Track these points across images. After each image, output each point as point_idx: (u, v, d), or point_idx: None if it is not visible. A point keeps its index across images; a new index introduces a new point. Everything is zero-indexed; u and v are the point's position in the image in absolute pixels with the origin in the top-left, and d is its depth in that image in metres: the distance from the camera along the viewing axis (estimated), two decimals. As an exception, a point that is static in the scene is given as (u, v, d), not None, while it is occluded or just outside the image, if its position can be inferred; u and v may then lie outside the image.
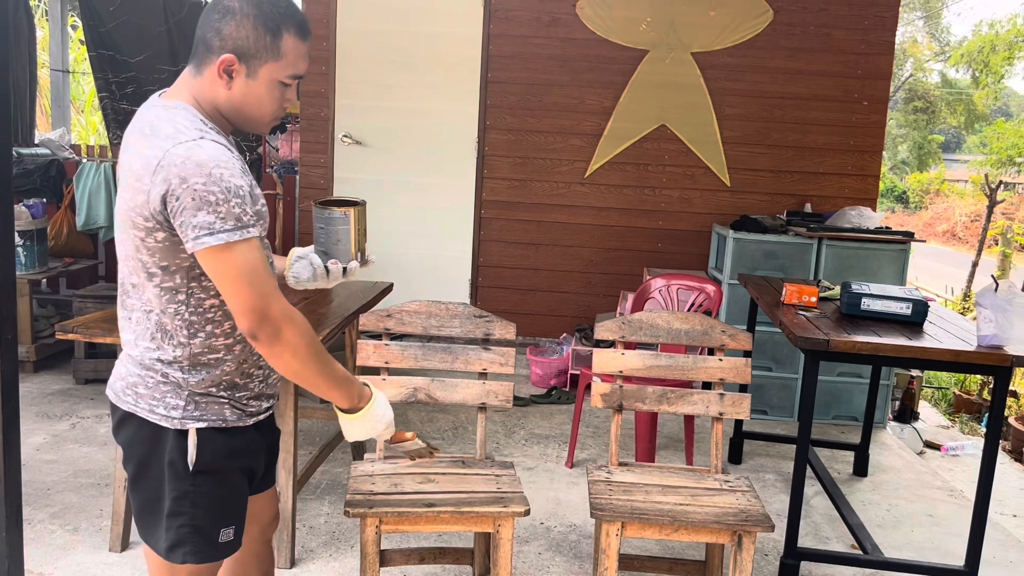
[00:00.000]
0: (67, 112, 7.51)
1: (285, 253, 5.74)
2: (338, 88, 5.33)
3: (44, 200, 4.95)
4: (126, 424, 1.62)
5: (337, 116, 5.35)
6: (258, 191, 1.56)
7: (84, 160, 5.40)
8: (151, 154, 1.45)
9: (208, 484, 1.59)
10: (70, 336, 2.55)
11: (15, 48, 6.41)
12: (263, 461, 1.77)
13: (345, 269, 1.84)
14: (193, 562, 1.60)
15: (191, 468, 1.57)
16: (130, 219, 1.49)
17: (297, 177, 5.53)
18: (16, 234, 4.49)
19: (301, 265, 1.81)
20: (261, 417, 1.70)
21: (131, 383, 1.60)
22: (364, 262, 1.89)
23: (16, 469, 2.30)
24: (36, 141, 6.56)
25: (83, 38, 7.26)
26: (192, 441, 1.57)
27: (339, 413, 1.69)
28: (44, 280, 5.11)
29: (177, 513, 1.57)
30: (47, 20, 7.56)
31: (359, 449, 3.57)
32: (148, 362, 1.58)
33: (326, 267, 1.82)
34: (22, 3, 6.58)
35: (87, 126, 10.83)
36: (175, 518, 1.57)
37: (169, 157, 1.43)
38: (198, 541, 1.59)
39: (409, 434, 1.92)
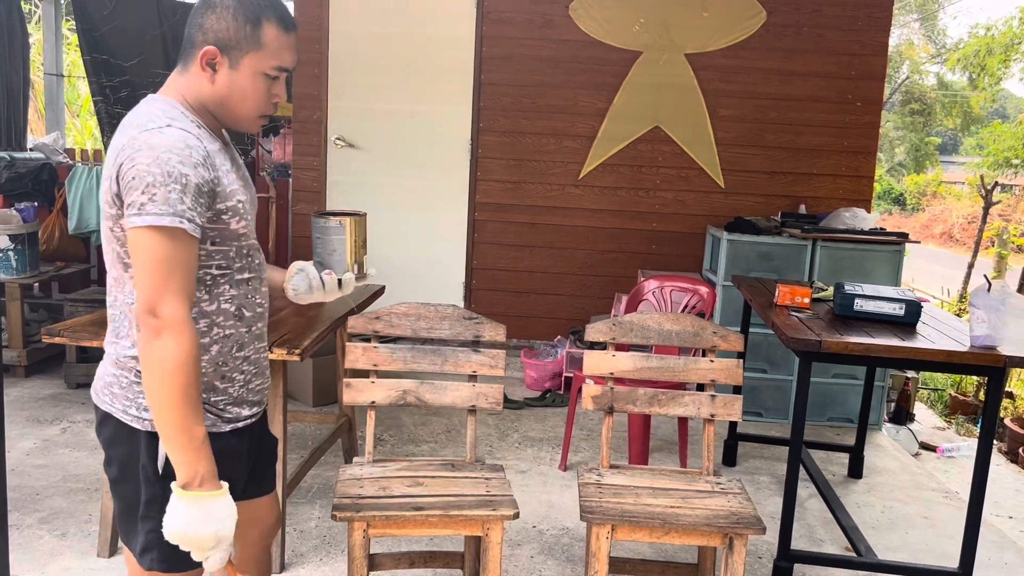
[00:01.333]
0: (61, 116, 7.49)
1: (279, 256, 5.71)
2: (331, 91, 5.31)
3: (36, 204, 4.93)
4: (105, 424, 1.60)
5: (330, 119, 5.34)
6: (228, 189, 1.55)
7: (77, 164, 5.37)
8: (120, 142, 1.47)
9: None
10: (57, 340, 2.53)
11: (8, 52, 6.40)
12: (244, 469, 1.71)
13: (340, 281, 1.82)
14: (159, 570, 1.55)
15: (160, 472, 1.53)
16: (104, 208, 1.51)
17: (290, 180, 5.52)
18: (7, 238, 4.49)
19: (299, 278, 1.82)
20: (240, 424, 1.66)
21: (107, 382, 1.59)
22: (362, 275, 1.85)
23: (1, 474, 2.28)
24: (30, 145, 6.54)
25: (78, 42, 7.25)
26: (163, 444, 1.53)
27: (174, 489, 1.46)
28: (36, 284, 5.08)
29: (147, 517, 1.54)
30: (41, 24, 7.55)
31: (350, 453, 3.55)
32: (123, 360, 1.56)
33: (322, 279, 1.82)
34: (15, 7, 6.57)
35: (83, 130, 10.82)
36: (146, 522, 1.55)
37: (132, 142, 1.45)
38: (165, 548, 1.53)
39: None
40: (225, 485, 1.47)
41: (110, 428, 1.59)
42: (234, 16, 1.52)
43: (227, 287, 1.60)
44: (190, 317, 1.44)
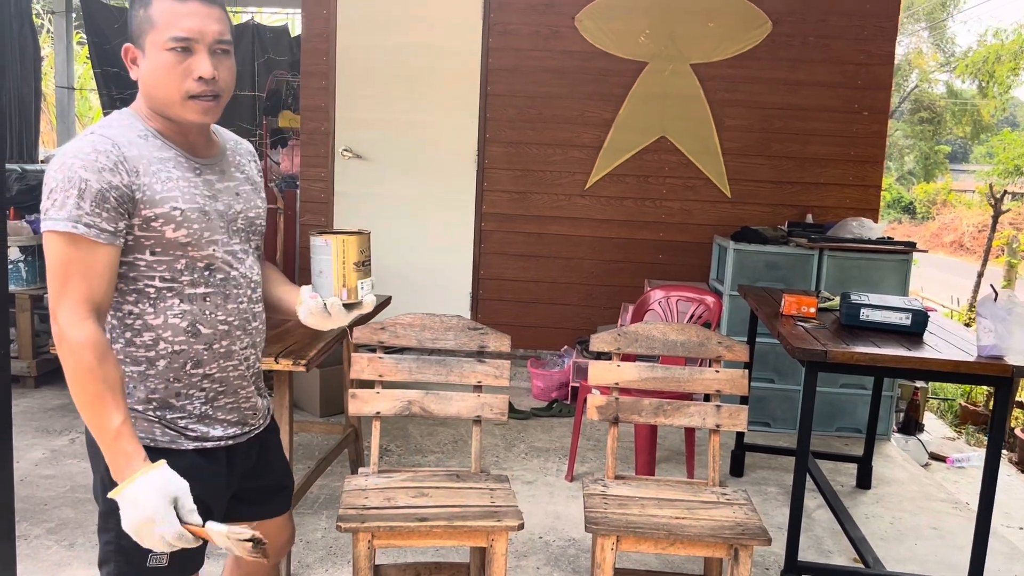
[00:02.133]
0: (72, 128, 7.56)
1: (287, 268, 5.71)
2: (338, 102, 5.34)
3: (46, 216, 4.97)
4: (87, 431, 1.58)
5: (337, 130, 5.37)
6: (157, 196, 1.49)
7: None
8: None
9: None
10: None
11: (20, 65, 6.47)
12: (218, 491, 1.65)
13: (326, 306, 1.64)
14: None
15: (114, 483, 1.49)
16: None
17: (298, 191, 5.54)
18: (18, 249, 4.52)
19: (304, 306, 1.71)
20: (208, 444, 1.62)
21: None
22: (354, 303, 1.66)
23: (8, 484, 2.30)
24: (41, 157, 6.60)
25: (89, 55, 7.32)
26: None
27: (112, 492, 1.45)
28: (46, 295, 5.11)
29: (104, 529, 1.54)
30: (51, 38, 7.63)
31: (356, 463, 3.55)
32: None
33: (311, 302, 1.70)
34: (27, 21, 6.64)
35: (93, 142, 10.90)
36: (103, 534, 1.55)
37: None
38: (121, 562, 1.54)
39: (223, 529, 1.41)
40: (142, 469, 1.41)
41: (88, 435, 1.58)
42: (133, 9, 1.53)
43: (176, 301, 1.55)
44: (88, 320, 1.42)
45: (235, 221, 1.64)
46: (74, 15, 7.38)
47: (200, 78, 1.50)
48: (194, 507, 1.44)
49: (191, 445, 1.60)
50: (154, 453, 1.53)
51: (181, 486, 1.44)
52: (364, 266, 1.67)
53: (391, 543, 2.18)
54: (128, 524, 1.40)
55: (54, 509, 3.20)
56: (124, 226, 1.48)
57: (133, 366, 1.55)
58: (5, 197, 2.29)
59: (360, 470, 2.49)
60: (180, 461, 1.56)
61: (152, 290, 1.54)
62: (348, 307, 1.67)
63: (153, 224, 1.50)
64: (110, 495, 1.43)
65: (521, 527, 2.19)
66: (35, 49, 6.68)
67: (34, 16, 7.30)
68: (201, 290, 1.58)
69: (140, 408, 1.56)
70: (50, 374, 4.79)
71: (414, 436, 4.18)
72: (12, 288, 4.55)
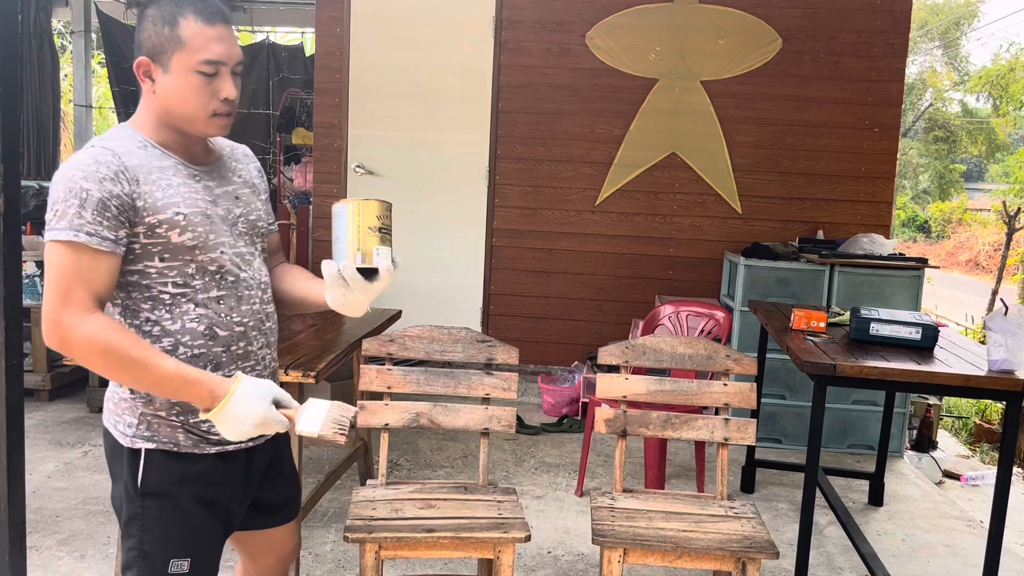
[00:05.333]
0: (90, 146, 7.66)
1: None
2: (351, 119, 5.40)
3: (63, 231, 5.03)
4: (106, 440, 1.64)
5: (350, 147, 5.42)
6: (160, 202, 1.52)
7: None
8: None
9: (157, 509, 1.56)
10: (75, 362, 2.57)
11: (39, 84, 6.58)
12: (239, 495, 1.69)
13: (340, 272, 1.57)
14: None
15: (139, 490, 1.55)
16: None
17: (311, 207, 5.59)
18: (34, 264, 4.58)
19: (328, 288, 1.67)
20: (229, 448, 1.63)
21: (107, 398, 1.64)
22: (371, 268, 1.57)
23: (20, 495, 2.32)
24: (58, 174, 6.69)
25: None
26: (140, 462, 1.56)
27: (206, 416, 1.51)
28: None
29: (127, 535, 1.57)
30: (71, 57, 7.75)
31: (365, 476, 3.56)
32: None
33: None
34: (47, 41, 6.76)
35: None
36: (126, 540, 1.57)
37: None
38: (144, 568, 1.56)
39: (325, 405, 1.54)
40: (238, 384, 1.48)
41: (108, 443, 1.63)
42: (153, 22, 1.54)
43: (191, 306, 1.58)
44: (93, 312, 1.45)
45: (236, 224, 1.67)
46: (94, 35, 7.51)
47: (225, 99, 1.57)
48: (288, 396, 1.56)
49: (213, 449, 1.62)
50: (177, 458, 1.58)
51: (270, 386, 1.52)
52: (382, 232, 1.58)
53: (398, 554, 2.19)
54: (237, 429, 1.47)
55: (66, 521, 3.23)
56: (125, 234, 1.51)
57: None
58: (21, 212, 2.33)
59: (368, 482, 2.50)
60: (201, 465, 1.60)
61: (167, 296, 1.56)
62: (366, 275, 1.57)
63: (158, 230, 1.53)
64: (210, 415, 1.47)
65: (528, 539, 2.19)
66: (54, 68, 6.79)
67: (55, 36, 7.43)
68: (214, 293, 1.60)
69: (164, 413, 1.58)
70: (64, 387, 4.83)
71: (424, 451, 4.18)
72: (27, 302, 4.60)
